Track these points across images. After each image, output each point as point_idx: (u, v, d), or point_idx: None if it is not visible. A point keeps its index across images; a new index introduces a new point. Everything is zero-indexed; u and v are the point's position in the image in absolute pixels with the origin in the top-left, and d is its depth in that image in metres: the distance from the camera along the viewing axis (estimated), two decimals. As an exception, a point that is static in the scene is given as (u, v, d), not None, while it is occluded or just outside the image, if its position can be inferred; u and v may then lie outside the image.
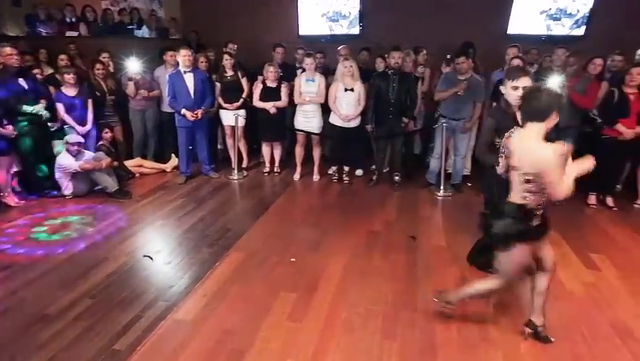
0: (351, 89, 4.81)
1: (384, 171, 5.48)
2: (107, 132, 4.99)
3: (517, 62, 4.54)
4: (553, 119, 2.02)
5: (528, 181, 2.05)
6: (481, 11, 6.26)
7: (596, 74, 4.48)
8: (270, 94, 5.10)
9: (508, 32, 6.21)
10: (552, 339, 2.41)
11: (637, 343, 2.44)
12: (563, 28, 6.14)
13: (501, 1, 6.20)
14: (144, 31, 7.15)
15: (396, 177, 5.07)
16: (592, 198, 4.50)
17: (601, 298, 2.85)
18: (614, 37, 5.48)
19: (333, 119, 4.95)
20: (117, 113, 5.31)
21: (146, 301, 2.76)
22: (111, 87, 5.21)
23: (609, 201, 4.50)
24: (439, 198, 4.85)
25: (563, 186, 1.94)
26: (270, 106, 5.07)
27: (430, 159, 5.12)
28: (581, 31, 6.06)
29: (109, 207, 4.37)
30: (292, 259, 3.29)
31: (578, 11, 6.06)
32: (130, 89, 5.30)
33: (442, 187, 4.91)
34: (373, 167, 5.23)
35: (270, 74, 5.05)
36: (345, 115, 4.85)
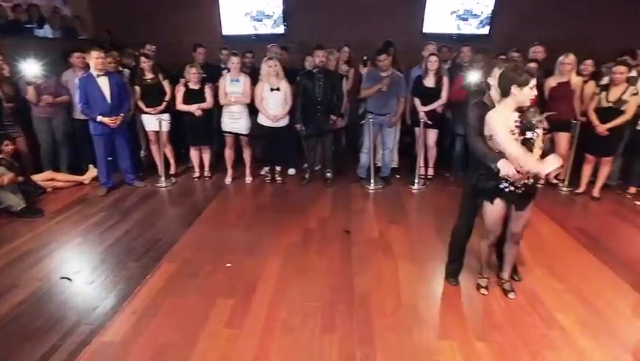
0: (277, 89, 4.79)
1: (316, 168, 5.53)
2: (7, 145, 4.42)
3: (435, 58, 4.81)
4: (518, 95, 2.35)
5: (490, 138, 2.42)
6: (399, 11, 6.57)
7: (501, 70, 4.89)
8: (193, 96, 4.92)
9: (423, 31, 6.58)
10: (511, 295, 2.83)
11: (544, 309, 2.71)
12: (471, 28, 6.65)
13: (416, 2, 6.55)
14: (46, 31, 6.47)
15: (328, 174, 5.15)
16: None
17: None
18: (513, 35, 6.05)
19: (262, 120, 4.91)
20: (18, 122, 4.74)
21: (66, 328, 2.52)
22: (8, 93, 4.64)
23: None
24: (370, 191, 5.01)
25: (511, 148, 2.33)
26: (195, 109, 4.90)
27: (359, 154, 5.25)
28: (485, 30, 6.60)
29: (16, 227, 3.93)
30: (228, 265, 3.22)
31: (482, 12, 6.60)
32: (30, 94, 4.76)
33: (372, 181, 5.07)
34: (305, 165, 5.26)
35: (193, 75, 4.87)
36: (273, 115, 4.82)
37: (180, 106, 4.94)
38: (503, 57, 4.87)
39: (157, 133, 5.08)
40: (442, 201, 4.62)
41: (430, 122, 4.92)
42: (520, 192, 2.53)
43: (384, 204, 4.55)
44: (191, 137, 5.12)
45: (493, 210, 2.59)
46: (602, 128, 4.42)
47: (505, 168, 2.40)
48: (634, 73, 4.54)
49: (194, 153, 5.27)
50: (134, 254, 3.40)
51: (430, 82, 4.94)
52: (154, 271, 3.14)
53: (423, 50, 5.34)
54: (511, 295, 2.82)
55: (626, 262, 3.32)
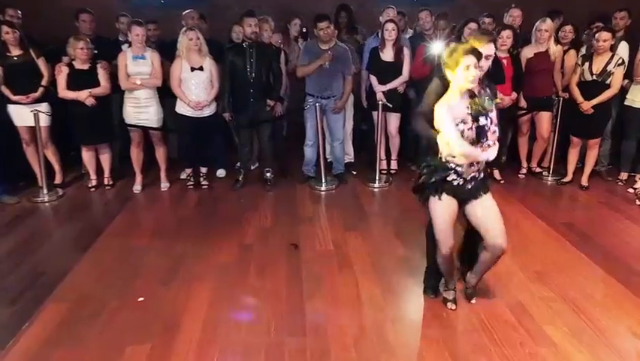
0: (200, 68, 4.73)
1: (253, 167, 5.48)
2: None
3: (392, 25, 4.91)
4: (455, 79, 2.53)
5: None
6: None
7: (470, 39, 5.10)
8: (81, 79, 4.73)
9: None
10: (473, 301, 3.02)
11: (532, 322, 2.85)
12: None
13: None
14: None
15: (268, 174, 5.13)
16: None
17: (496, 280, 3.26)
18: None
19: (181, 108, 4.83)
20: None
21: None
22: None
23: (496, 174, 5.22)
24: (320, 193, 5.04)
25: (457, 145, 2.50)
26: (85, 96, 4.69)
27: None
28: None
29: None
30: (140, 299, 3.14)
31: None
32: None
33: (323, 180, 5.11)
34: (238, 164, 5.22)
35: (80, 51, 4.66)
36: (195, 102, 4.73)
37: (64, 93, 4.73)
38: (473, 24, 5.10)
39: (32, 129, 4.82)
40: (409, 199, 4.69)
41: (389, 104, 5.03)
42: (470, 186, 2.67)
43: (339, 208, 4.60)
44: (82, 134, 4.94)
45: (442, 208, 2.69)
46: (586, 105, 4.75)
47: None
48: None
49: (87, 155, 5.08)
50: (6, 296, 3.20)
51: (388, 55, 5.05)
52: (35, 316, 2.95)
53: (380, 16, 5.46)
54: (472, 301, 3.02)
55: (621, 261, 3.58)
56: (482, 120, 2.54)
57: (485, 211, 2.72)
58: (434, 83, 2.75)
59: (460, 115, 2.53)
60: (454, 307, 2.96)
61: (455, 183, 2.66)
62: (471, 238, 3.01)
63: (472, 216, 2.76)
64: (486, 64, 2.66)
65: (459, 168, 2.62)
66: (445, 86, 2.64)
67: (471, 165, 2.63)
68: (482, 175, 2.71)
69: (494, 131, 2.60)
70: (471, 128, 2.53)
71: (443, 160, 2.62)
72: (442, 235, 2.74)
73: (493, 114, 2.59)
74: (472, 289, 3.03)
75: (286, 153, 5.65)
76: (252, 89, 4.77)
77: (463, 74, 2.49)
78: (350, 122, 5.47)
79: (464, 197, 2.70)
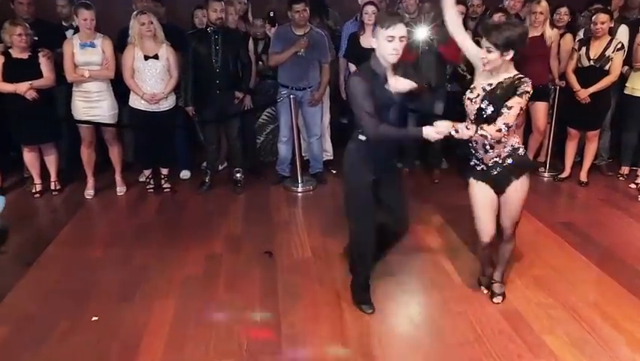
0: (155, 56, 4.70)
1: (221, 168, 5.45)
2: None
3: (372, 8, 4.94)
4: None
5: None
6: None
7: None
8: (20, 70, 4.65)
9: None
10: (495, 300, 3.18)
11: (531, 332, 2.90)
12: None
13: None
14: None
15: (238, 175, 5.13)
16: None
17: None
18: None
19: (135, 102, 4.80)
20: None
21: None
22: None
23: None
24: (297, 194, 5.05)
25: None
26: (26, 89, 4.60)
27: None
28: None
29: None
30: (94, 318, 3.10)
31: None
32: None
33: (299, 180, 5.12)
34: (204, 164, 5.21)
35: (17, 38, 4.58)
36: (150, 94, 4.69)
37: (0, 85, 4.62)
38: (461, 6, 5.15)
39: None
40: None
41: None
42: (496, 172, 2.88)
43: (318, 211, 4.63)
44: (22, 132, 4.86)
45: (475, 193, 2.97)
46: (583, 94, 4.86)
47: (433, 133, 2.64)
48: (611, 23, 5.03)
49: (30, 157, 5.01)
50: None
51: (368, 41, 5.02)
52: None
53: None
54: (495, 300, 3.17)
55: (624, 262, 3.67)
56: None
57: (503, 206, 2.97)
58: (361, 86, 2.72)
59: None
60: (485, 291, 3.24)
61: (478, 168, 2.94)
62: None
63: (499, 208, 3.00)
64: (400, 46, 2.67)
65: (477, 154, 2.91)
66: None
67: (486, 150, 2.85)
68: (508, 162, 2.86)
69: None
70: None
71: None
72: (478, 222, 3.01)
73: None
74: (498, 286, 3.21)
75: (258, 151, 5.63)
76: (218, 80, 4.74)
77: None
78: (327, 116, 5.48)
79: (493, 184, 2.92)
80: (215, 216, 4.55)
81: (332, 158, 5.62)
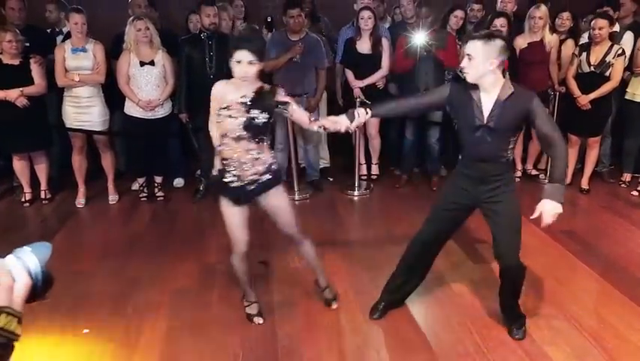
0: (151, 63, 4.71)
1: (215, 175, 5.44)
2: None
3: (367, 13, 4.97)
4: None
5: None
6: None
7: (458, 28, 5.19)
8: (11, 76, 4.67)
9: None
10: (334, 306, 3.19)
11: (532, 343, 2.90)
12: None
13: None
14: None
15: (233, 183, 5.09)
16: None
17: (490, 296, 3.30)
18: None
19: (130, 109, 4.82)
20: None
21: None
22: None
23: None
24: (294, 202, 5.01)
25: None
26: (16, 95, 4.62)
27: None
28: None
29: None
30: (85, 331, 3.09)
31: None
32: None
33: (295, 188, 5.12)
34: (198, 172, 5.21)
35: (7, 45, 4.61)
36: (145, 101, 4.70)
37: (-11, 92, 4.65)
38: (459, 11, 5.19)
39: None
40: (392, 208, 4.78)
41: (368, 101, 5.07)
42: (253, 187, 2.87)
43: (315, 219, 4.61)
44: (12, 140, 4.88)
45: (228, 212, 2.95)
46: (583, 100, 4.88)
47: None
48: (617, 27, 5.07)
49: (19, 165, 5.01)
50: None
51: (364, 46, 5.11)
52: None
53: (354, 3, 5.51)
54: (334, 305, 3.21)
55: (626, 271, 3.67)
56: (254, 113, 2.75)
57: (276, 217, 3.08)
58: None
59: (230, 101, 2.80)
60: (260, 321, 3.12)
61: (234, 185, 2.87)
62: None
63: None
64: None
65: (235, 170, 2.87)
66: None
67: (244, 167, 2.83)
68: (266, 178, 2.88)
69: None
70: (233, 116, 2.78)
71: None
72: (235, 238, 3.06)
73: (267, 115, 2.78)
74: (328, 291, 3.25)
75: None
76: (211, 87, 4.72)
77: (235, 66, 2.71)
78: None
79: (233, 195, 2.91)
80: (210, 225, 4.50)
81: (329, 165, 5.62)
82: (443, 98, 2.83)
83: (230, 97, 2.78)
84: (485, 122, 2.66)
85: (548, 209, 2.66)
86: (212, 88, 2.89)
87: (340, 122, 2.77)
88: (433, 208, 2.97)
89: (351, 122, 2.76)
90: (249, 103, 2.72)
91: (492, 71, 2.62)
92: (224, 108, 2.78)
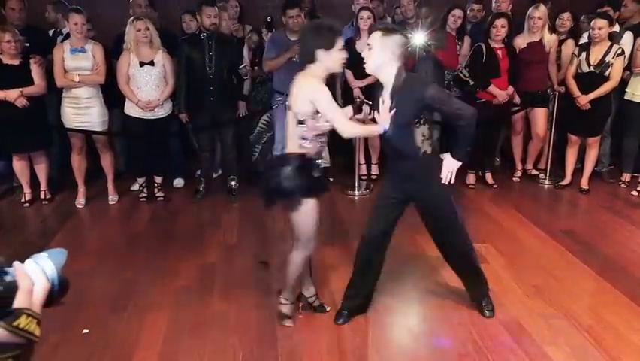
0: (151, 63, 4.71)
1: (215, 176, 5.45)
2: None
3: (367, 13, 4.97)
4: (327, 60, 2.68)
5: (301, 123, 2.70)
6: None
7: (456, 28, 5.19)
8: (10, 77, 4.66)
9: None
10: (327, 308, 3.14)
11: (532, 343, 2.89)
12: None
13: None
14: None
15: (233, 183, 5.13)
16: (470, 178, 5.30)
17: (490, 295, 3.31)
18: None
19: (130, 109, 4.82)
20: None
21: None
22: None
23: (488, 177, 5.33)
24: (293, 203, 5.02)
25: (345, 125, 2.69)
26: (16, 96, 4.61)
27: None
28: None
29: None
30: (85, 331, 3.08)
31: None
32: None
33: (295, 188, 5.09)
34: (198, 173, 5.21)
35: (7, 45, 4.60)
36: (145, 101, 4.70)
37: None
38: (458, 10, 5.20)
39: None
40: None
41: (368, 101, 5.05)
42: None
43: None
44: (12, 140, 4.88)
45: (314, 208, 2.85)
46: (583, 100, 4.87)
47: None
48: (617, 27, 5.07)
49: (19, 165, 5.01)
50: None
51: (363, 46, 5.07)
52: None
53: (353, 2, 5.52)
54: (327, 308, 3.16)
55: (626, 271, 3.67)
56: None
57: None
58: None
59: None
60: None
61: (316, 176, 2.84)
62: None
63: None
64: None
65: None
66: None
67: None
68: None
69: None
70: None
71: (300, 153, 2.84)
72: (313, 234, 2.95)
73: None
74: (314, 299, 3.20)
75: (253, 159, 5.63)
76: (211, 87, 4.76)
77: (337, 55, 2.68)
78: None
79: (319, 189, 2.90)
80: (210, 225, 4.54)
81: (328, 165, 5.59)
82: None
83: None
84: None
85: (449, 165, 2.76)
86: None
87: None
88: (372, 209, 3.06)
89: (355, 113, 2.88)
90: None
91: (388, 64, 2.70)
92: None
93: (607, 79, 4.83)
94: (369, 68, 2.76)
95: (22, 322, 0.94)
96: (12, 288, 0.99)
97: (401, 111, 2.65)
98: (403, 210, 2.96)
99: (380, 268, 3.12)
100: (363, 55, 2.77)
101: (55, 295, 1.06)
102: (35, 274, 1.02)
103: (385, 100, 2.68)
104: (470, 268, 3.05)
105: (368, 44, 2.71)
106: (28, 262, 1.04)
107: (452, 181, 2.77)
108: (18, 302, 0.98)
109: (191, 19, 5.29)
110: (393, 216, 2.95)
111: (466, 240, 2.97)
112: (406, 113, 2.67)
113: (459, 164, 2.75)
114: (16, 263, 1.03)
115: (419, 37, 4.78)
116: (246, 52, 5.20)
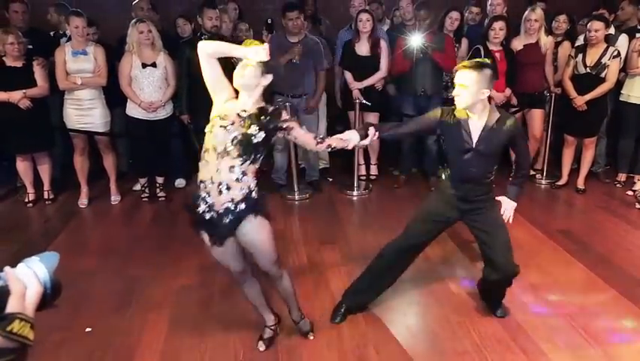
0: (153, 64, 4.72)
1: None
2: None
3: (366, 16, 4.97)
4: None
5: None
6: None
7: (454, 30, 5.19)
8: (14, 78, 4.65)
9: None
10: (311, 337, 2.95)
11: (529, 341, 2.89)
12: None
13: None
14: None
15: (233, 183, 5.08)
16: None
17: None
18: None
19: (132, 110, 4.83)
20: None
21: None
22: None
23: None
24: (293, 202, 5.06)
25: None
26: (19, 97, 4.61)
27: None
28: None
29: None
30: (88, 330, 3.08)
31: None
32: None
33: (295, 188, 5.12)
34: (199, 172, 5.16)
35: (10, 47, 4.59)
36: (148, 103, 4.71)
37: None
38: (455, 12, 5.19)
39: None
40: (391, 208, 4.78)
41: (367, 102, 5.07)
42: (227, 220, 2.45)
43: (314, 219, 4.64)
44: (15, 141, 4.87)
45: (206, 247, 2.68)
46: (579, 101, 4.88)
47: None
48: (612, 30, 5.08)
49: (23, 166, 5.01)
50: None
51: (363, 49, 5.10)
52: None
53: (350, 6, 5.52)
54: (310, 337, 2.94)
55: (622, 270, 3.68)
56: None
57: (251, 252, 2.66)
58: None
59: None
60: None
61: (207, 217, 2.48)
62: None
63: None
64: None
65: (208, 198, 2.46)
66: None
67: (220, 191, 2.41)
68: (241, 207, 2.43)
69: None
70: None
71: None
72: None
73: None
74: (304, 322, 2.96)
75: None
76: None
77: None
78: (324, 123, 5.49)
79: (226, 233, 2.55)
80: (210, 225, 4.54)
81: (328, 166, 5.62)
82: (435, 121, 2.81)
83: (230, 106, 2.49)
84: (474, 146, 2.70)
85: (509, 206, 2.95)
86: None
87: (350, 140, 2.65)
88: (412, 220, 2.98)
89: (362, 139, 2.68)
90: (247, 118, 2.41)
91: (482, 100, 2.65)
92: (220, 117, 2.46)
93: (603, 80, 4.84)
94: (461, 105, 2.65)
95: (16, 326, 0.94)
96: (4, 293, 0.98)
97: (494, 142, 2.69)
98: (444, 230, 3.04)
99: (392, 283, 3.12)
100: (453, 95, 2.68)
101: (48, 298, 1.05)
102: (27, 277, 1.02)
103: (474, 128, 2.69)
104: (504, 286, 3.02)
105: (461, 84, 2.59)
106: (20, 266, 1.03)
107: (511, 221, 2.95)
108: (11, 307, 0.97)
109: (185, 22, 5.31)
110: (437, 232, 2.97)
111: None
112: (498, 145, 2.72)
113: (515, 204, 2.95)
114: (7, 268, 1.03)
115: (416, 39, 4.78)
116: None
